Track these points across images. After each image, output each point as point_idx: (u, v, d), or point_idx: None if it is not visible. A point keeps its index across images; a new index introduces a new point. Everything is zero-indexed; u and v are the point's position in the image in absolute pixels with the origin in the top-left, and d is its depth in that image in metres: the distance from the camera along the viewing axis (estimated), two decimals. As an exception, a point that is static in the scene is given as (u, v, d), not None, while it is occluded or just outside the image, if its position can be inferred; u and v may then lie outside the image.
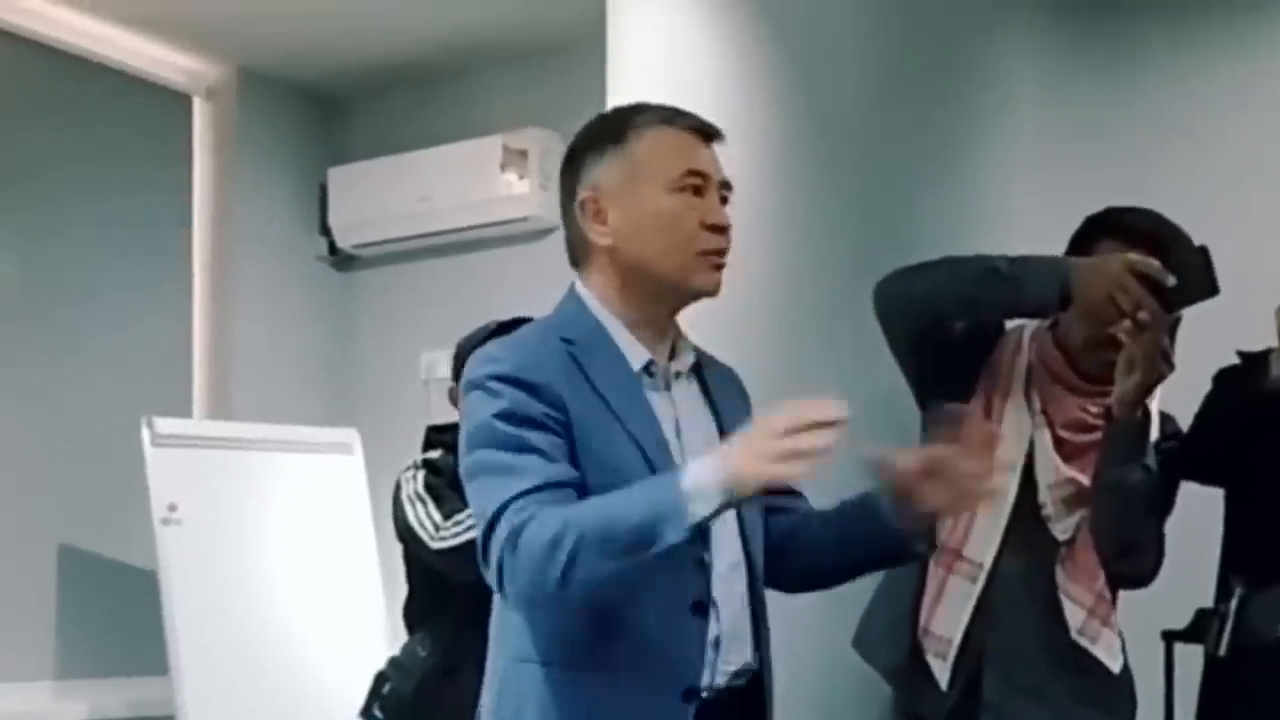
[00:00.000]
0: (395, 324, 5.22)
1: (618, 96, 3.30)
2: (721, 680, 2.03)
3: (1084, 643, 2.65)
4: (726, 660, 2.03)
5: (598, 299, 2.09)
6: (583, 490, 1.94)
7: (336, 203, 5.23)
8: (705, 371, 2.17)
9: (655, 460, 1.99)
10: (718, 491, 1.81)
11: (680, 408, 2.10)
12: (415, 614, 3.47)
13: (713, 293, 2.08)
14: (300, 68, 5.13)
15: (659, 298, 2.08)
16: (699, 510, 1.81)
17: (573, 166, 2.12)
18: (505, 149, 4.85)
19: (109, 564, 4.55)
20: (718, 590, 2.02)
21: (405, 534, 3.28)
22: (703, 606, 1.99)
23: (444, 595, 3.25)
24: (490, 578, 1.93)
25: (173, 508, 4.16)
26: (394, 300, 5.26)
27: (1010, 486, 2.65)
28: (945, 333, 2.73)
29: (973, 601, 2.64)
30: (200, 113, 5.16)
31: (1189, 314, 2.49)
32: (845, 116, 3.33)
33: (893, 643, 2.72)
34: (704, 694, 2.00)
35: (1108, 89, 3.98)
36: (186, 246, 5.08)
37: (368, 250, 5.28)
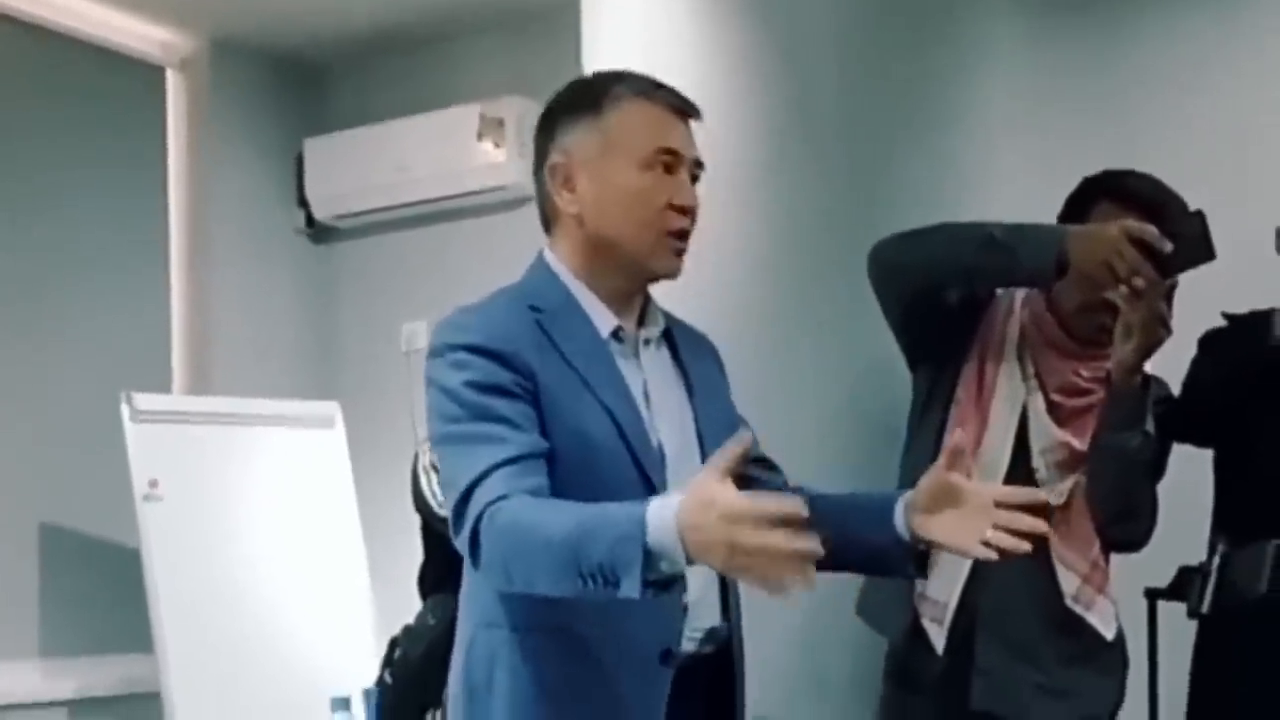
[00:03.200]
0: (375, 295, 5.20)
1: (594, 65, 3.28)
2: (690, 646, 2.02)
3: (1078, 609, 2.66)
4: (693, 626, 2.02)
5: (566, 266, 2.08)
6: (552, 460, 1.92)
7: (313, 174, 5.19)
8: (676, 337, 2.16)
9: (627, 427, 1.98)
10: (679, 558, 1.71)
11: (649, 374, 2.08)
12: (429, 582, 3.52)
13: (673, 276, 2.07)
14: (274, 38, 5.08)
15: (622, 270, 2.06)
16: (660, 569, 1.73)
17: (546, 128, 2.10)
18: (482, 117, 4.82)
19: (91, 541, 4.53)
20: None
21: (419, 503, 3.33)
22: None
23: (456, 564, 3.28)
24: (462, 546, 1.91)
25: (154, 484, 4.15)
26: (373, 271, 5.24)
27: (1003, 451, 2.66)
28: (939, 298, 2.73)
29: (967, 565, 2.64)
30: (173, 85, 5.11)
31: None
32: (824, 81, 3.32)
33: (897, 608, 2.72)
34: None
35: (1090, 48, 3.95)
36: (162, 221, 5.04)
37: (345, 221, 5.24)
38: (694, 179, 2.07)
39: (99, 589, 4.49)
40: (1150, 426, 2.56)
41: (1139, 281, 2.42)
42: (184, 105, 5.12)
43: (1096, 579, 2.68)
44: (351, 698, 3.64)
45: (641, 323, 2.11)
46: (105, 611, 4.46)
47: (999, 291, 2.77)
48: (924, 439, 2.75)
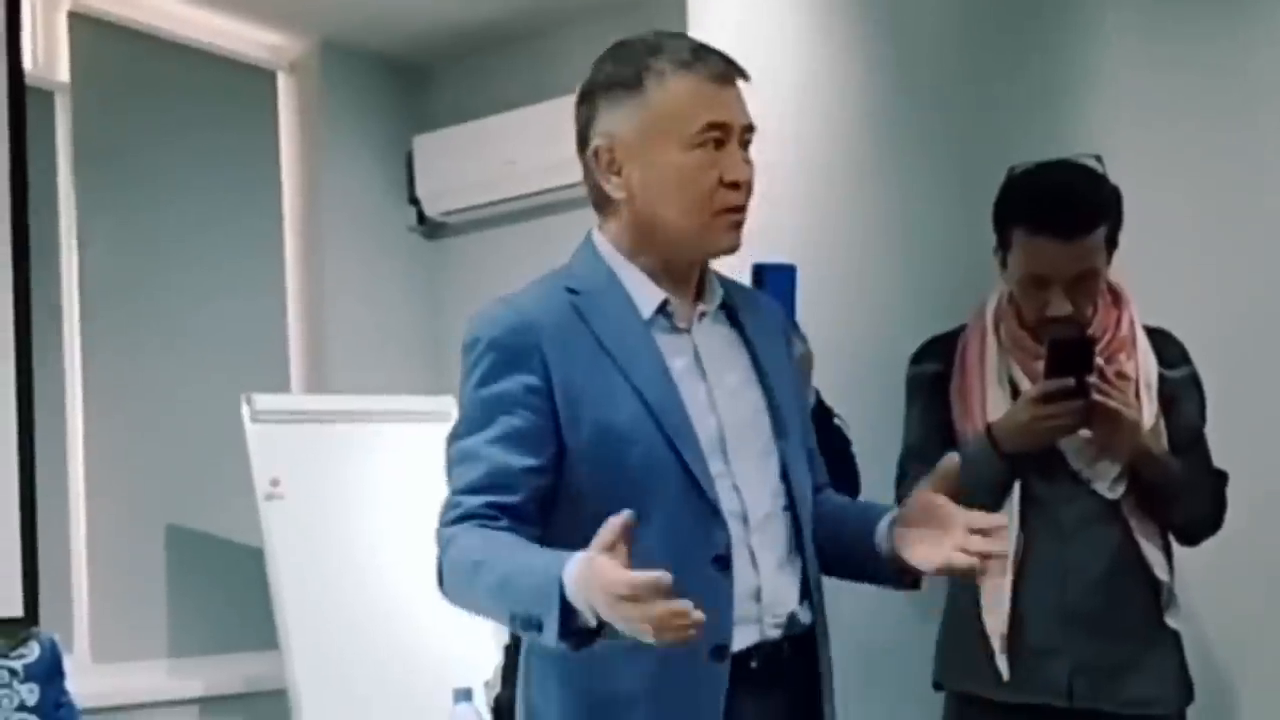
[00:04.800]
0: (486, 289, 5.12)
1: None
2: (774, 633, 1.97)
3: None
4: (773, 612, 1.97)
5: (613, 246, 2.03)
6: (552, 469, 1.91)
7: (423, 171, 5.22)
8: (739, 309, 2.08)
9: (658, 409, 1.91)
10: (591, 616, 1.72)
11: (704, 347, 2.01)
12: None
13: (731, 251, 2.00)
14: (381, 38, 5.12)
15: (676, 250, 2.00)
16: (583, 620, 1.73)
17: (586, 107, 2.03)
18: (588, 108, 4.80)
19: (216, 541, 4.60)
20: (755, 539, 1.96)
21: None
22: (725, 560, 1.92)
23: None
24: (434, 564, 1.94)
25: (275, 483, 4.20)
26: (484, 265, 5.25)
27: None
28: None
29: (1007, 592, 2.63)
30: (284, 88, 5.17)
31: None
32: (933, 68, 3.26)
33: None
34: (750, 651, 1.94)
35: (1213, 31, 3.78)
36: (277, 223, 5.10)
37: (456, 217, 5.27)
38: (745, 144, 1.98)
39: (224, 588, 4.55)
40: (1175, 464, 2.62)
41: (1075, 421, 2.54)
42: (295, 107, 5.17)
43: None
44: (473, 689, 3.64)
45: (700, 296, 2.04)
46: (231, 610, 4.52)
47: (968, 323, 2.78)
48: None
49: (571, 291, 1.98)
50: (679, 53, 1.96)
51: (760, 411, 2.02)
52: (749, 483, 1.96)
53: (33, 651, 3.62)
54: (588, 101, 2.03)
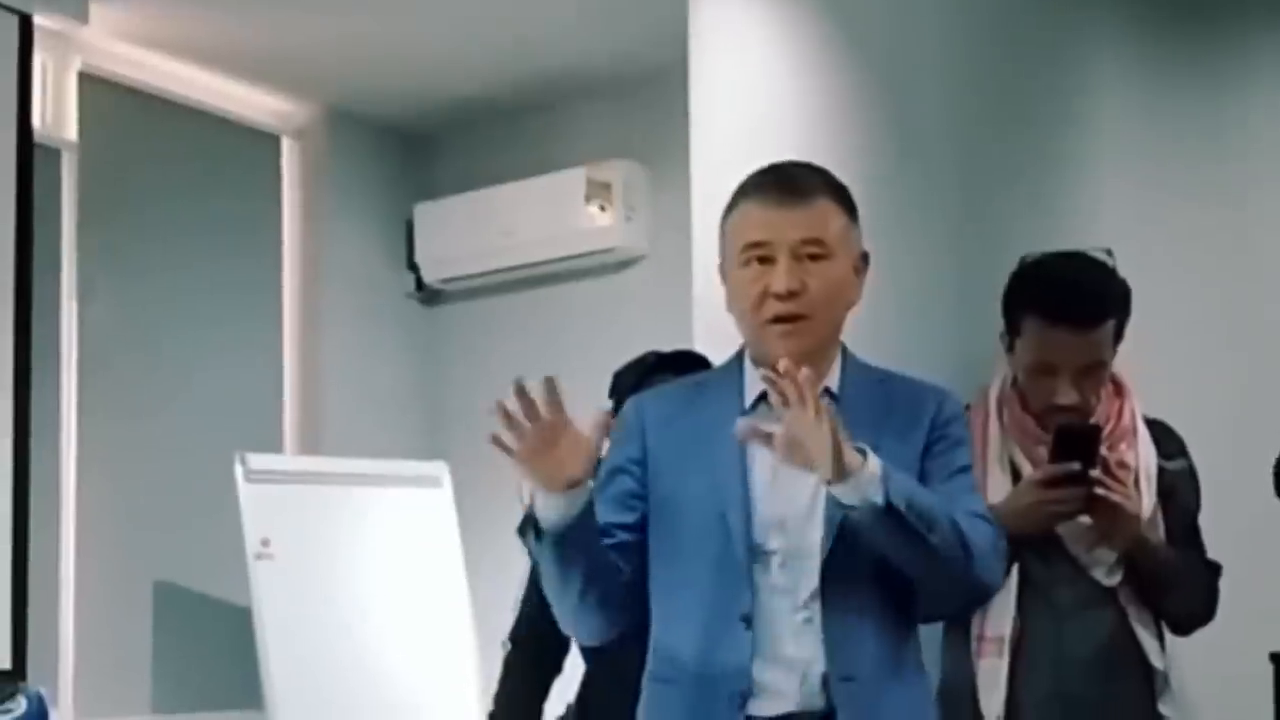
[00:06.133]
0: (482, 357, 5.24)
1: (700, 128, 3.31)
2: (817, 704, 2.06)
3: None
4: (809, 684, 2.06)
5: None
6: (641, 528, 2.17)
7: (423, 238, 5.28)
8: (851, 401, 2.17)
9: (722, 488, 2.11)
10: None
11: None
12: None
13: (789, 355, 2.07)
14: (386, 106, 5.19)
15: (753, 355, 2.19)
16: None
17: None
18: (589, 181, 4.87)
19: (204, 599, 4.60)
20: (800, 616, 2.08)
21: None
22: (749, 619, 2.07)
23: None
24: None
25: (265, 542, 4.21)
26: (481, 333, 5.29)
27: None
28: None
29: (1003, 675, 2.62)
30: (289, 152, 5.24)
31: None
32: (934, 139, 3.30)
33: None
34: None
35: (1204, 99, 3.82)
36: (276, 284, 5.15)
37: (454, 285, 5.32)
38: (811, 256, 2.10)
39: (211, 646, 4.55)
40: (1167, 553, 2.64)
41: (1076, 508, 2.57)
42: (298, 172, 5.24)
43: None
44: (457, 757, 3.66)
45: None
46: (217, 669, 4.51)
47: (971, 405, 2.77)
48: None
49: (699, 385, 2.26)
50: (748, 183, 2.18)
51: (818, 499, 2.11)
52: (799, 562, 2.10)
53: (19, 705, 3.62)
54: None
